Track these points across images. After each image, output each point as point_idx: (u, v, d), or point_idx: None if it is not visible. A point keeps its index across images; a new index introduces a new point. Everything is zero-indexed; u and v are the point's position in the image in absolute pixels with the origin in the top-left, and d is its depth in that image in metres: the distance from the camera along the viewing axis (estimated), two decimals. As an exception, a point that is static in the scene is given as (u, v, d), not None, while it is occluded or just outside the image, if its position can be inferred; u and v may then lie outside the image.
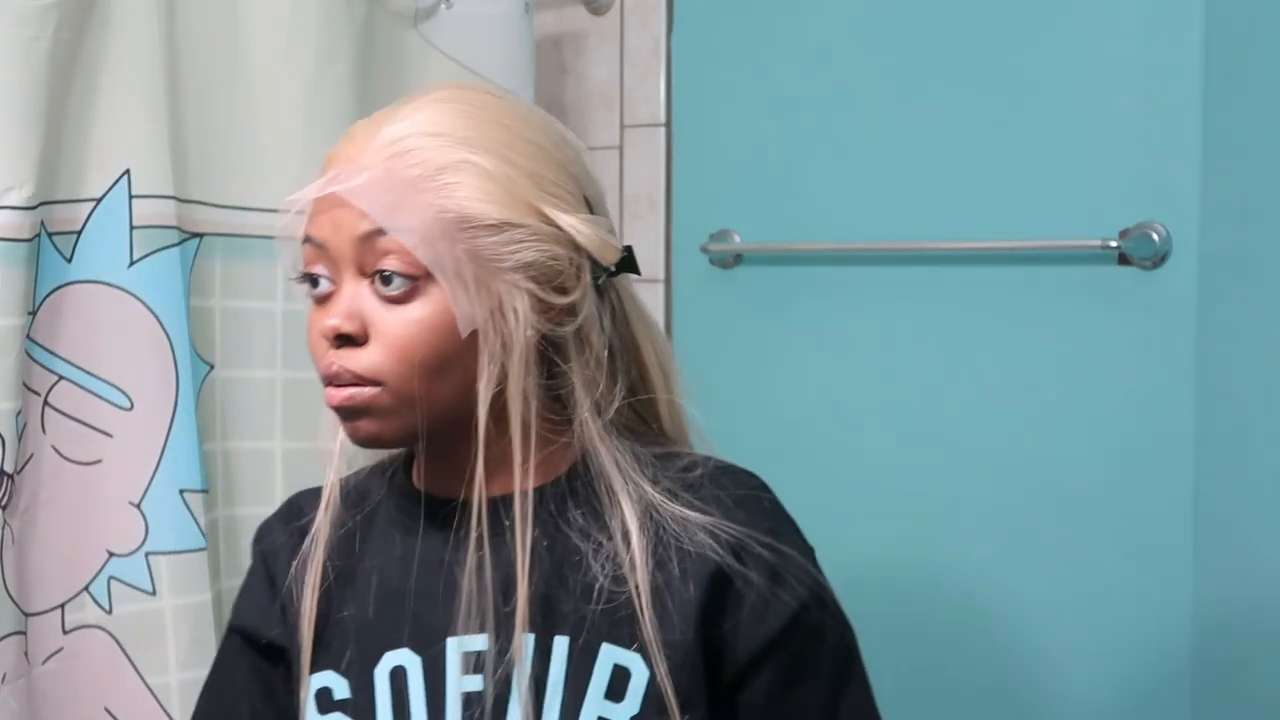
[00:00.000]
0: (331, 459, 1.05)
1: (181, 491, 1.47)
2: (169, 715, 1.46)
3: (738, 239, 1.93)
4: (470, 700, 0.96)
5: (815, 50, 1.87)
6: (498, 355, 0.94)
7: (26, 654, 1.40)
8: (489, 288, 0.93)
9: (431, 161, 0.93)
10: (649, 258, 2.01)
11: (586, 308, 0.97)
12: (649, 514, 0.97)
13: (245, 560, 1.54)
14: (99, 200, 1.44)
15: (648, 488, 0.98)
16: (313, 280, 0.97)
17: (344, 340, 0.95)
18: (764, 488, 1.03)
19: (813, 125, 1.87)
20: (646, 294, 2.00)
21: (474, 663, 0.97)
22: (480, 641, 0.96)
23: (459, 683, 0.97)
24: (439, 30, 1.73)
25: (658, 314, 1.99)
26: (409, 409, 0.94)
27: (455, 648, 0.98)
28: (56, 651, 1.43)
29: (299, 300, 1.58)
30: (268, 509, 1.56)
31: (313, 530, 1.04)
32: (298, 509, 1.11)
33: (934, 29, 1.77)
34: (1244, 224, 1.58)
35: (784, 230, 1.90)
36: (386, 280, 0.93)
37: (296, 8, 1.57)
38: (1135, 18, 1.64)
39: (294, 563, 1.06)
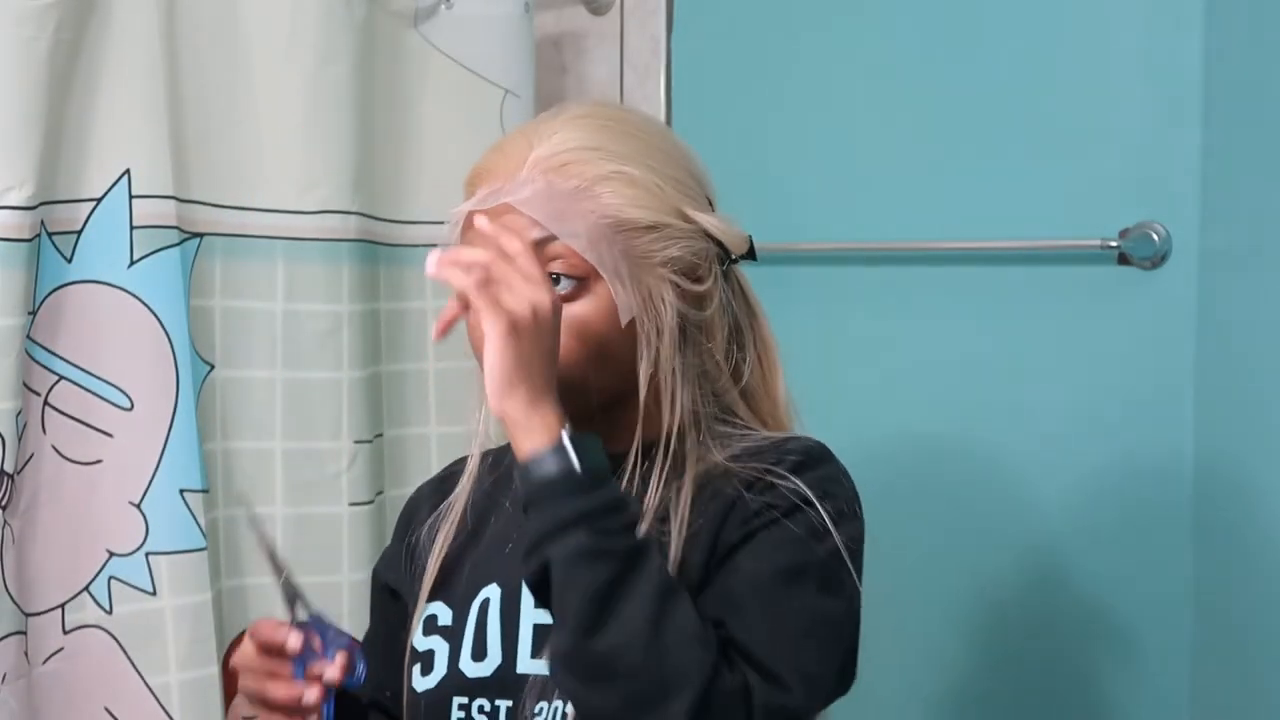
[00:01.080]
0: (476, 438, 1.17)
1: (181, 491, 1.47)
2: (169, 715, 1.46)
3: (738, 239, 1.93)
4: (539, 631, 1.07)
5: (815, 50, 1.86)
6: (653, 340, 1.06)
7: (26, 654, 1.40)
8: (641, 281, 1.05)
9: (587, 174, 1.05)
10: (649, 258, 2.00)
11: (718, 294, 1.11)
12: (708, 475, 1.07)
13: (245, 560, 1.56)
14: (99, 200, 1.44)
15: (717, 454, 1.08)
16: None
17: None
18: (819, 445, 1.11)
19: (813, 125, 1.87)
20: (646, 294, 2.00)
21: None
22: None
23: (531, 615, 1.08)
24: (439, 30, 1.73)
25: (658, 314, 2.00)
26: (575, 394, 1.03)
27: None
28: (56, 651, 1.43)
29: (299, 300, 1.59)
30: (268, 509, 1.57)
31: (454, 491, 1.17)
32: (449, 471, 1.24)
33: (934, 29, 1.77)
34: (1244, 224, 1.58)
35: (784, 230, 1.90)
36: (555, 281, 1.04)
37: (296, 8, 1.57)
38: (1135, 17, 1.64)
39: (433, 514, 1.18)
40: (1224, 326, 1.59)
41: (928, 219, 1.78)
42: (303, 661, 1.04)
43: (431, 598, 1.15)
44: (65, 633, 1.43)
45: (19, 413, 1.36)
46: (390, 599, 1.22)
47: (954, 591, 1.77)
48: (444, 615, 1.13)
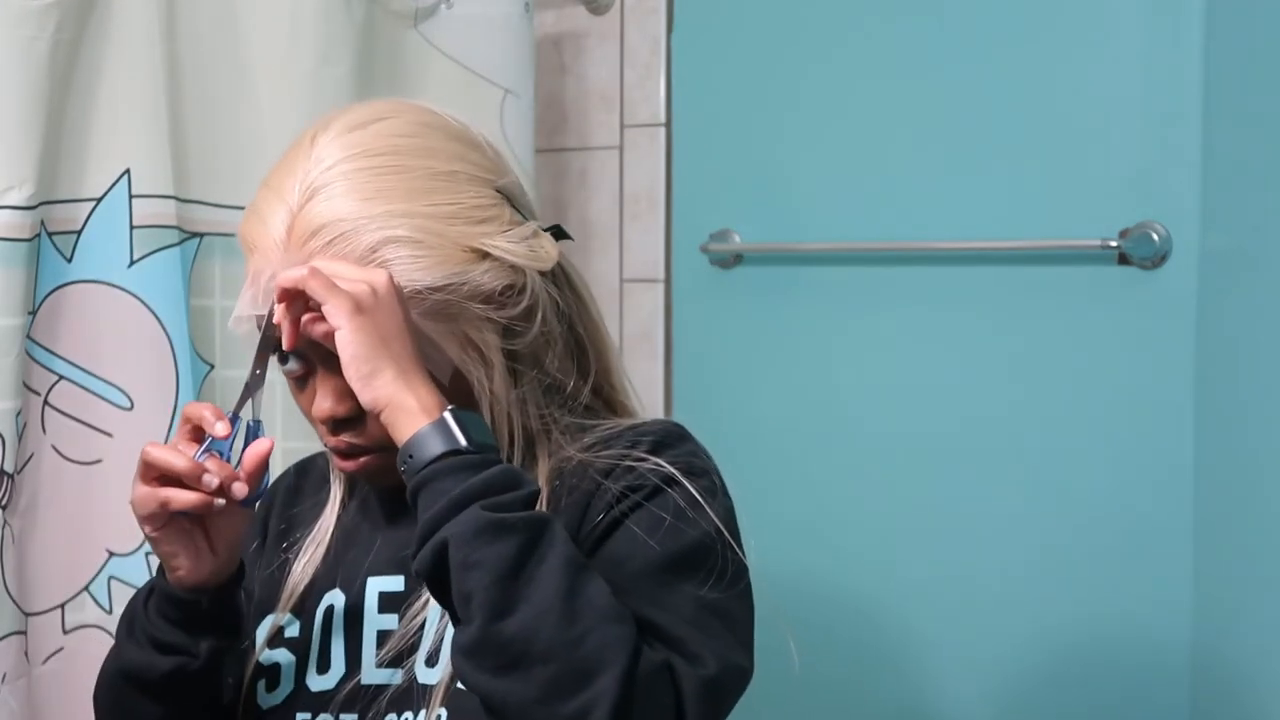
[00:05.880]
0: (339, 480, 1.12)
1: (181, 491, 1.47)
2: (169, 715, 1.46)
3: (738, 239, 1.93)
4: (383, 638, 1.02)
5: (815, 50, 1.87)
6: (484, 384, 0.99)
7: (26, 654, 1.40)
8: (451, 332, 0.97)
9: (359, 245, 0.95)
10: (649, 258, 2.01)
11: (542, 301, 1.02)
12: (559, 470, 1.02)
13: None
14: (99, 200, 1.45)
15: (569, 449, 1.02)
16: (282, 357, 0.99)
17: (341, 423, 0.99)
18: (676, 425, 1.05)
19: (813, 125, 1.87)
20: (646, 294, 2.00)
21: (390, 602, 1.04)
22: (397, 583, 1.04)
23: (375, 621, 1.04)
24: (439, 30, 1.73)
25: (657, 314, 2.00)
26: None
27: (374, 587, 1.05)
28: (56, 651, 1.43)
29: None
30: (268, 509, 1.57)
31: (328, 506, 1.11)
32: (304, 471, 1.19)
33: (934, 29, 1.77)
34: (1244, 224, 1.58)
35: (784, 230, 1.90)
36: None
37: (296, 8, 1.57)
38: (1135, 18, 1.64)
39: (288, 509, 1.15)
40: (1224, 326, 1.59)
41: (928, 219, 1.78)
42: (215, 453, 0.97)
43: (279, 607, 1.09)
44: (65, 633, 1.43)
45: (19, 413, 1.36)
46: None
47: (951, 585, 1.77)
48: (291, 627, 1.07)
